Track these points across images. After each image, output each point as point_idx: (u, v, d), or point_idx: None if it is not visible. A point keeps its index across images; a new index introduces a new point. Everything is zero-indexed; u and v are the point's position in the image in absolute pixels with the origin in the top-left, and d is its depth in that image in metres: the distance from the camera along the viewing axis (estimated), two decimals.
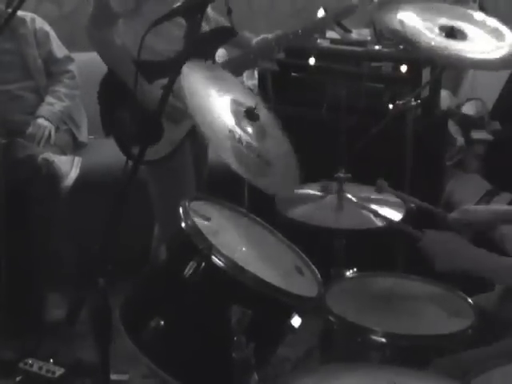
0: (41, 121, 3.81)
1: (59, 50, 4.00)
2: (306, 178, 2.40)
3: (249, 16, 4.83)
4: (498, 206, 2.94)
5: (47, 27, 3.99)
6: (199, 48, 2.07)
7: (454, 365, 1.94)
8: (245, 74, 4.36)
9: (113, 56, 2.95)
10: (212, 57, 3.03)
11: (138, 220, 3.23)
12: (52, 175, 3.55)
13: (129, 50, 2.90)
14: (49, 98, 3.91)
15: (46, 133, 3.78)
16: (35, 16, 3.96)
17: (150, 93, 2.73)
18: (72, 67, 4.02)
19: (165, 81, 1.92)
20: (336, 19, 3.13)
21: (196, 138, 2.99)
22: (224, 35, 3.00)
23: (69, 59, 4.03)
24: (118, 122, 3.00)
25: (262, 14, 5.00)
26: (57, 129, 3.89)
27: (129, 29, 2.93)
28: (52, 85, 3.96)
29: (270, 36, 3.08)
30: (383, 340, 2.08)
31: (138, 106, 2.58)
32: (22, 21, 3.84)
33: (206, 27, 2.93)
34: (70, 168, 3.68)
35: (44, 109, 3.86)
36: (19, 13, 3.42)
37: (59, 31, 4.11)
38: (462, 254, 2.10)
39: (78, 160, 3.73)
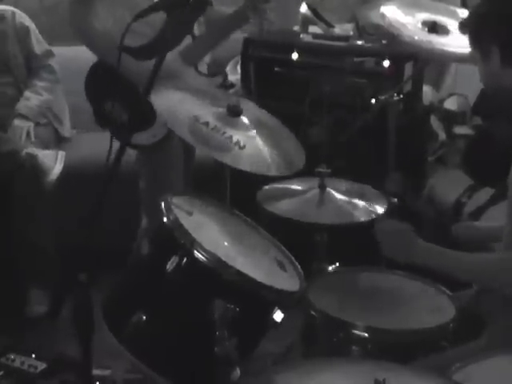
0: (17, 122, 3.74)
1: (39, 45, 3.94)
2: None
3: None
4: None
5: (27, 22, 3.92)
6: (180, 24, 2.08)
7: (435, 360, 1.95)
8: (228, 69, 4.36)
9: (95, 39, 2.93)
10: (191, 31, 3.01)
11: (125, 213, 3.24)
12: (36, 170, 3.53)
13: (111, 34, 2.89)
14: (26, 93, 3.84)
15: (24, 133, 3.72)
16: (15, 10, 3.89)
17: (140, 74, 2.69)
18: (52, 61, 3.97)
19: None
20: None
21: None
22: (201, 4, 2.98)
23: (49, 54, 3.96)
24: (109, 112, 2.97)
25: None
26: (36, 124, 3.84)
27: (108, 14, 2.91)
28: (31, 79, 3.91)
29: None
30: (365, 335, 2.08)
31: (128, 92, 2.56)
32: (2, 17, 3.79)
33: None
34: (53, 163, 3.65)
35: (21, 104, 3.79)
36: None
37: (40, 24, 4.07)
38: (408, 248, 2.10)
39: (61, 154, 3.70)
